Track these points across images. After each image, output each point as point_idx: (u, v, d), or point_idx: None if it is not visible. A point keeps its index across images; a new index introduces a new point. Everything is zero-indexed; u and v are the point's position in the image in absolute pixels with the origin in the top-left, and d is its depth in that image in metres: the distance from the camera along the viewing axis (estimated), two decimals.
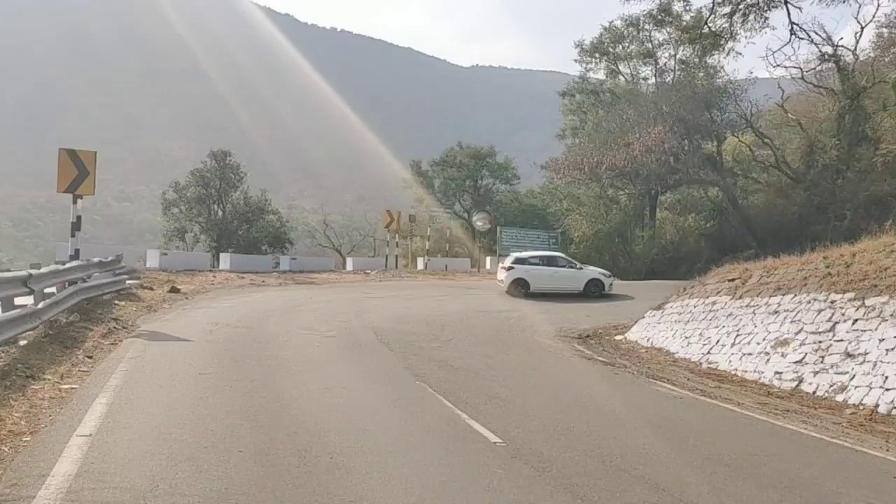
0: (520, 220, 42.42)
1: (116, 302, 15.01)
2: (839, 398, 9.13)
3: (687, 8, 35.96)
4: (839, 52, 30.97)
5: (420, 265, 36.15)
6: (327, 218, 49.68)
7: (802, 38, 29.81)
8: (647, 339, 14.32)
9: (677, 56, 39.83)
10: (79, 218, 14.44)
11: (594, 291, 22.31)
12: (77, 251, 14.29)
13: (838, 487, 5.50)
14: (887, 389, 8.67)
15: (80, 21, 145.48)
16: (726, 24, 30.09)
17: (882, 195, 28.07)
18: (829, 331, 10.35)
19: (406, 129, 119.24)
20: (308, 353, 10.65)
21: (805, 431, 7.51)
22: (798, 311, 11.29)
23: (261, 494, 4.48)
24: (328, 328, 13.50)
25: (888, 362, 9.01)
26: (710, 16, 30.40)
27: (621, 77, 42.71)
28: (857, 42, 31.38)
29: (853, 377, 9.31)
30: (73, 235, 14.42)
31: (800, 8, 31.25)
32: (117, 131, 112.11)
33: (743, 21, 29.81)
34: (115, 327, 11.76)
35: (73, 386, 7.36)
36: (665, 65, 40.77)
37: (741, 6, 29.30)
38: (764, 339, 11.42)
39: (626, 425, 7.30)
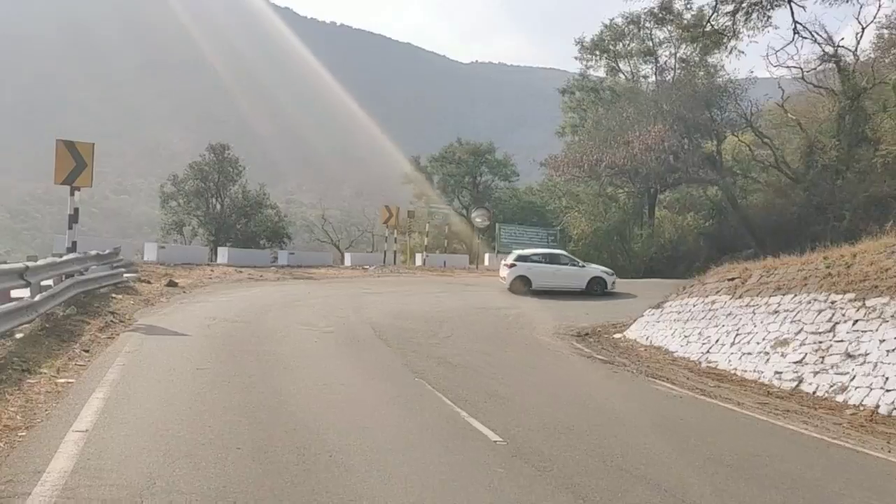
0: (518, 218, 42.34)
1: (114, 295, 14.93)
2: (839, 399, 9.11)
3: (688, 6, 35.88)
4: (840, 53, 30.96)
5: (418, 261, 36.06)
6: (326, 213, 49.55)
7: (805, 38, 29.74)
8: (646, 338, 14.29)
9: (678, 54, 39.77)
10: (76, 210, 14.36)
11: (596, 289, 22.26)
12: (74, 244, 14.22)
13: (841, 489, 5.47)
14: (888, 390, 8.65)
15: (79, 12, 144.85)
16: (729, 23, 29.99)
17: (881, 196, 28.06)
18: (830, 331, 10.33)
19: (405, 124, 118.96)
20: (306, 349, 10.59)
21: (806, 432, 7.49)
22: (798, 311, 11.27)
23: (259, 493, 4.42)
24: (326, 324, 13.44)
25: (889, 363, 8.99)
26: (712, 14, 30.30)
27: (621, 75, 42.63)
28: (858, 43, 31.37)
29: (853, 378, 9.29)
30: (70, 228, 14.34)
31: (803, 7, 31.17)
32: (115, 123, 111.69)
33: (746, 19, 29.74)
34: (112, 321, 11.69)
35: (70, 380, 7.30)
36: (665, 63, 40.71)
37: (744, 4, 29.23)
38: (764, 339, 11.40)
39: (627, 424, 7.26)
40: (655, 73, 41.16)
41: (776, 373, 10.45)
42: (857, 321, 10.08)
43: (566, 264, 22.96)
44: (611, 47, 41.41)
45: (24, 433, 5.37)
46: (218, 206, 35.80)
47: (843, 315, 10.38)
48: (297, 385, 7.97)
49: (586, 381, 10.28)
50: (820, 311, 10.84)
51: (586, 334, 14.83)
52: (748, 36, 31.26)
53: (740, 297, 13.09)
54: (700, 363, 12.01)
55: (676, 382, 10.21)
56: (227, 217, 35.62)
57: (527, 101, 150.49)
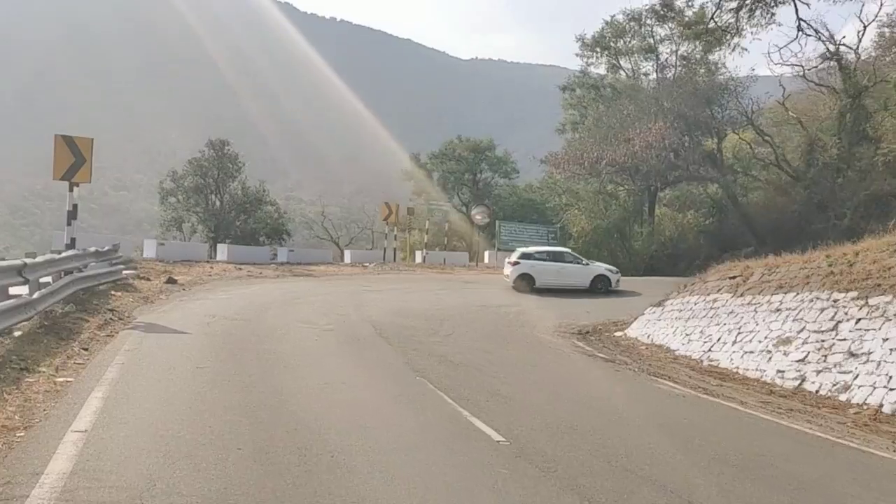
0: (518, 215, 42.28)
1: (113, 293, 14.86)
2: (843, 397, 9.07)
3: (689, 3, 35.75)
4: (841, 51, 30.87)
5: (418, 258, 35.98)
6: (325, 209, 49.45)
7: (810, 35, 29.61)
8: (648, 336, 14.24)
9: (679, 52, 39.73)
10: (75, 206, 14.29)
11: (600, 287, 22.20)
12: (73, 240, 14.14)
13: (848, 490, 5.42)
14: (891, 389, 8.60)
15: (78, 8, 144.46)
16: (732, 20, 29.85)
17: (882, 195, 28.04)
18: (832, 330, 10.29)
19: (405, 121, 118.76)
20: (307, 347, 10.54)
21: (810, 431, 7.44)
22: (800, 310, 11.22)
23: (261, 495, 4.37)
24: (326, 321, 13.39)
25: (892, 362, 8.94)
26: (716, 10, 30.15)
27: (622, 72, 42.56)
28: (860, 41, 31.26)
29: (857, 376, 9.25)
30: (69, 224, 14.26)
31: (807, 4, 30.82)
32: (114, 119, 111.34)
33: (749, 16, 29.59)
34: (111, 318, 11.63)
35: (69, 379, 7.24)
36: (666, 60, 40.65)
37: (748, 1, 29.07)
38: (766, 338, 11.35)
39: (630, 424, 7.21)
40: (656, 71, 41.14)
41: (779, 371, 10.41)
42: (859, 320, 10.04)
43: (570, 262, 22.90)
44: (612, 44, 41.34)
45: (22, 433, 5.31)
46: (217, 203, 35.70)
47: (846, 313, 10.34)
48: (297, 384, 7.91)
49: (588, 379, 10.24)
50: (822, 310, 10.80)
51: (587, 332, 14.79)
52: (751, 33, 31.17)
53: (742, 295, 13.04)
54: (702, 361, 11.96)
55: (679, 381, 10.16)
56: (227, 213, 35.53)
57: (527, 98, 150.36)
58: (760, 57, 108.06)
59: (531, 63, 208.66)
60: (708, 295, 14.04)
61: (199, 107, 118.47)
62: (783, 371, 10.34)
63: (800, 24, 29.23)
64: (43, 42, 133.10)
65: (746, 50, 37.42)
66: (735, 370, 11.14)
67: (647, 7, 38.26)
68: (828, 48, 30.42)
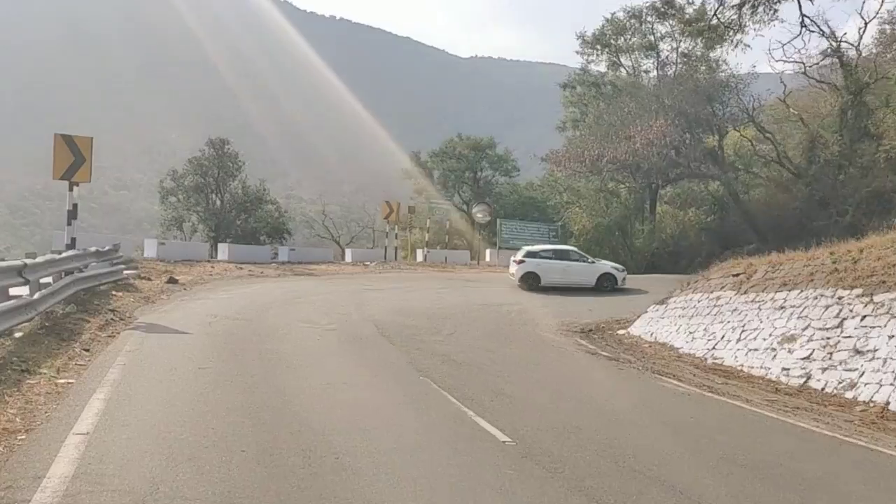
0: (519, 213, 42.20)
1: (114, 293, 14.80)
2: (849, 395, 9.02)
3: (690, 0, 35.65)
4: (842, 48, 30.75)
5: (419, 257, 35.91)
6: (326, 208, 49.37)
7: (813, 31, 29.46)
8: (651, 334, 14.19)
9: (679, 49, 39.60)
10: (75, 206, 14.22)
11: (606, 286, 22.10)
12: (73, 240, 14.08)
13: (859, 489, 5.36)
14: None
15: (78, 8, 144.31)
16: (735, 16, 29.70)
17: (884, 191, 27.94)
18: (837, 327, 10.23)
19: (405, 119, 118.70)
20: (309, 347, 10.48)
21: (817, 429, 7.39)
22: (805, 307, 11.16)
23: (265, 498, 4.31)
24: (328, 321, 13.33)
25: None
26: (718, 7, 29.98)
27: (623, 69, 42.44)
28: (861, 37, 31.15)
29: (862, 374, 9.19)
30: (69, 224, 14.20)
31: (811, 0, 30.66)
32: (114, 118, 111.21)
33: (752, 13, 29.43)
34: (112, 319, 11.58)
35: (70, 380, 7.19)
36: (667, 58, 40.52)
37: None
38: (770, 335, 11.29)
39: (636, 423, 7.16)
40: (657, 68, 41.02)
41: (783, 369, 10.35)
42: (865, 317, 9.97)
43: (576, 260, 22.81)
44: (612, 42, 41.23)
45: (23, 436, 5.25)
46: (218, 202, 35.64)
47: (851, 311, 10.28)
48: (300, 384, 7.86)
49: (592, 378, 10.19)
50: (827, 307, 10.74)
51: (590, 330, 14.74)
52: (754, 30, 30.96)
53: (745, 292, 12.98)
54: (706, 359, 11.91)
55: (683, 379, 10.11)
56: (227, 213, 35.46)
57: (527, 96, 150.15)
58: (761, 54, 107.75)
59: (531, 61, 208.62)
60: (711, 292, 13.98)
61: (198, 106, 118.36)
62: (788, 369, 10.28)
63: (803, 21, 29.08)
64: (43, 42, 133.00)
65: (749, 46, 37.46)
66: (740, 368, 11.09)
67: (647, 4, 38.13)
68: (830, 44, 30.32)
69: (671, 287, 16.19)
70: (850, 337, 9.86)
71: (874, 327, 9.65)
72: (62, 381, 7.11)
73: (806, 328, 10.74)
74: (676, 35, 38.75)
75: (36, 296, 9.44)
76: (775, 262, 13.43)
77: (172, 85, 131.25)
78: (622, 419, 7.34)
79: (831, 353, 9.91)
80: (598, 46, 41.73)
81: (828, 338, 10.19)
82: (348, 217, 51.65)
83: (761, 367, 10.76)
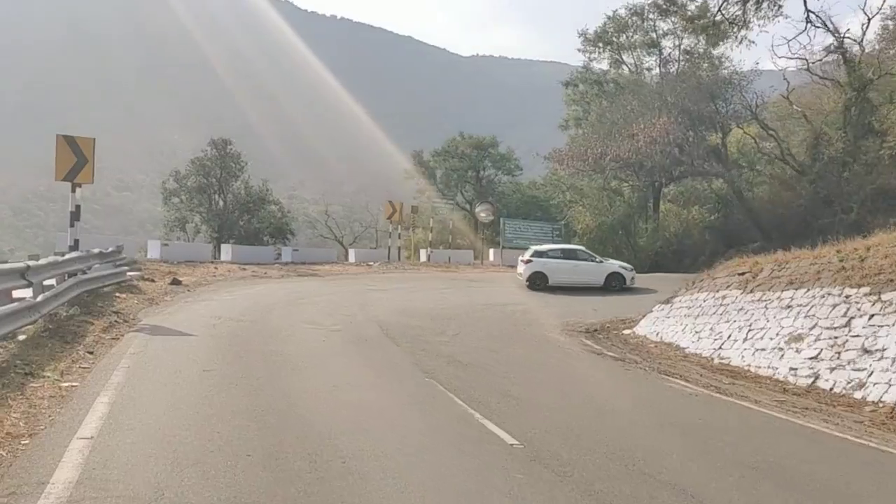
0: (522, 212, 42.13)
1: (117, 294, 14.76)
2: (857, 395, 8.94)
3: None
4: (845, 44, 30.61)
5: (423, 257, 35.88)
6: (329, 208, 49.36)
7: (818, 27, 29.30)
8: (656, 334, 14.11)
9: (681, 46, 39.50)
10: (78, 207, 14.17)
11: (615, 285, 22.00)
12: (77, 241, 14.03)
13: (872, 493, 5.29)
14: None
15: (79, 9, 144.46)
16: (739, 12, 29.53)
17: (889, 188, 27.85)
18: (845, 326, 10.15)
19: (406, 119, 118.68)
20: (313, 349, 10.43)
21: (827, 431, 7.31)
22: (812, 306, 11.08)
23: (272, 503, 4.26)
24: (333, 322, 13.28)
25: None
26: (722, 3, 29.80)
27: (625, 67, 42.38)
28: (864, 34, 31.00)
29: (871, 374, 9.11)
30: (72, 225, 14.15)
31: None
32: (116, 119, 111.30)
33: (756, 8, 29.27)
34: (116, 321, 11.53)
35: (74, 384, 7.13)
36: (669, 55, 40.47)
37: None
38: (777, 335, 11.21)
39: (645, 425, 7.10)
40: (659, 65, 40.96)
41: (791, 369, 10.27)
42: (873, 316, 9.89)
43: (584, 260, 22.73)
44: (614, 39, 41.18)
45: (27, 441, 5.20)
46: (220, 203, 35.64)
47: (859, 309, 10.20)
48: (305, 387, 7.81)
49: (599, 379, 10.12)
50: (834, 306, 10.65)
51: (595, 330, 14.67)
52: (758, 25, 30.84)
53: (752, 291, 12.90)
54: (712, 359, 11.84)
55: (690, 380, 10.03)
56: (230, 213, 35.46)
57: (529, 95, 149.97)
58: (764, 51, 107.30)
59: (533, 59, 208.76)
60: (717, 291, 13.90)
61: (200, 107, 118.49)
62: (796, 369, 10.20)
63: (808, 16, 28.92)
64: (44, 43, 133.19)
65: (754, 42, 37.16)
66: (747, 368, 11.01)
67: (649, 1, 38.09)
68: (836, 39, 30.17)
69: (674, 286, 16.13)
70: (858, 336, 9.78)
71: (882, 326, 9.57)
72: (66, 384, 7.06)
73: (813, 327, 10.66)
74: (678, 32, 38.65)
75: (39, 298, 9.40)
76: (781, 260, 13.35)
77: (174, 86, 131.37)
78: (630, 421, 7.28)
79: (839, 353, 9.82)
80: (601, 44, 41.68)
81: (836, 337, 10.11)
82: (351, 217, 51.67)
83: (769, 367, 10.68)
